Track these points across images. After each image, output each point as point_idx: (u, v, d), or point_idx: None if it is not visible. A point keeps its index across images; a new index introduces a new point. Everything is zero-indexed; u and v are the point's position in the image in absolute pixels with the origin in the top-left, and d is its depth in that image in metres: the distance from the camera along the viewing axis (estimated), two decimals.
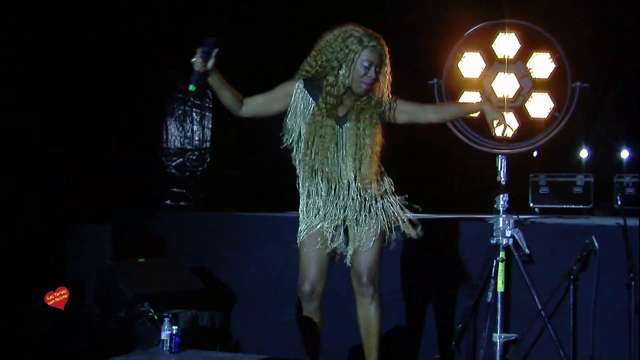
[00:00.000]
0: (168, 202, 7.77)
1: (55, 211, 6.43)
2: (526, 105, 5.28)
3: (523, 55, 5.30)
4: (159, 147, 7.74)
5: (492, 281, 4.93)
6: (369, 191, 4.02)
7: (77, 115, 6.76)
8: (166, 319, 4.92)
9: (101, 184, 6.74)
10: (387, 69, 4.00)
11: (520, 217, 5.19)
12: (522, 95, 5.32)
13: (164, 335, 4.90)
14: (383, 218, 4.05)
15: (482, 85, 5.33)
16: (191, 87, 3.78)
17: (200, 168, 8.09)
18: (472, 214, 6.11)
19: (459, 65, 5.35)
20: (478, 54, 5.34)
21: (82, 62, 6.52)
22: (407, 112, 4.11)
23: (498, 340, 4.92)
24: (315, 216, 4.04)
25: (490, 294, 4.94)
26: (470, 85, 5.26)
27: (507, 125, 4.12)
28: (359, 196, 4.01)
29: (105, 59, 6.64)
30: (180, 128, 7.88)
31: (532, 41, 5.23)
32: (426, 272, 5.44)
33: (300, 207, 4.10)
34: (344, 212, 4.02)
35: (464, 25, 5.29)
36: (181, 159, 7.90)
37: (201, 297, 5.76)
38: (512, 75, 5.32)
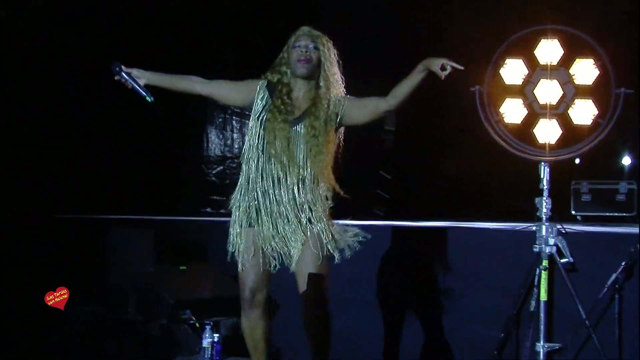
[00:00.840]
0: (209, 209, 7.80)
1: (96, 218, 6.49)
2: (569, 112, 5.22)
3: (566, 61, 5.25)
4: (200, 155, 7.79)
5: (535, 290, 4.89)
6: (316, 200, 3.98)
7: (118, 122, 6.82)
8: (207, 327, 4.94)
9: (143, 192, 6.79)
10: (329, 54, 4.02)
11: (563, 225, 5.14)
12: (565, 102, 5.26)
13: (206, 342, 4.91)
14: (325, 228, 3.97)
15: (525, 92, 5.27)
16: (148, 99, 4.04)
17: None
18: (513, 221, 6.05)
19: (500, 72, 5.30)
20: (520, 60, 5.29)
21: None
22: (366, 107, 4.03)
23: (541, 350, 4.88)
24: (266, 217, 4.00)
25: (533, 303, 4.90)
26: (513, 92, 5.22)
27: (453, 66, 3.89)
28: (308, 202, 3.97)
29: (146, 64, 6.69)
30: (221, 136, 7.92)
31: (575, 47, 5.18)
32: (465, 281, 5.40)
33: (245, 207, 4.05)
34: (296, 215, 3.97)
35: (506, 31, 5.25)
36: (221, 167, 7.93)
37: None
38: (555, 81, 5.26)
